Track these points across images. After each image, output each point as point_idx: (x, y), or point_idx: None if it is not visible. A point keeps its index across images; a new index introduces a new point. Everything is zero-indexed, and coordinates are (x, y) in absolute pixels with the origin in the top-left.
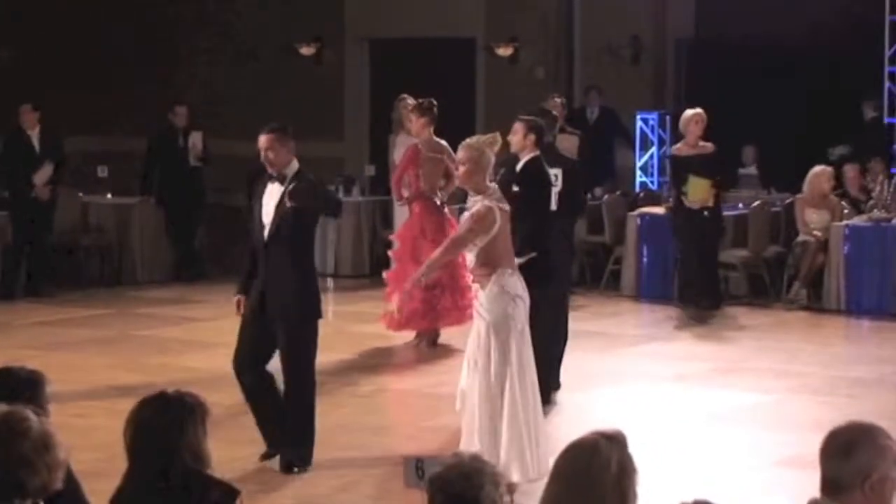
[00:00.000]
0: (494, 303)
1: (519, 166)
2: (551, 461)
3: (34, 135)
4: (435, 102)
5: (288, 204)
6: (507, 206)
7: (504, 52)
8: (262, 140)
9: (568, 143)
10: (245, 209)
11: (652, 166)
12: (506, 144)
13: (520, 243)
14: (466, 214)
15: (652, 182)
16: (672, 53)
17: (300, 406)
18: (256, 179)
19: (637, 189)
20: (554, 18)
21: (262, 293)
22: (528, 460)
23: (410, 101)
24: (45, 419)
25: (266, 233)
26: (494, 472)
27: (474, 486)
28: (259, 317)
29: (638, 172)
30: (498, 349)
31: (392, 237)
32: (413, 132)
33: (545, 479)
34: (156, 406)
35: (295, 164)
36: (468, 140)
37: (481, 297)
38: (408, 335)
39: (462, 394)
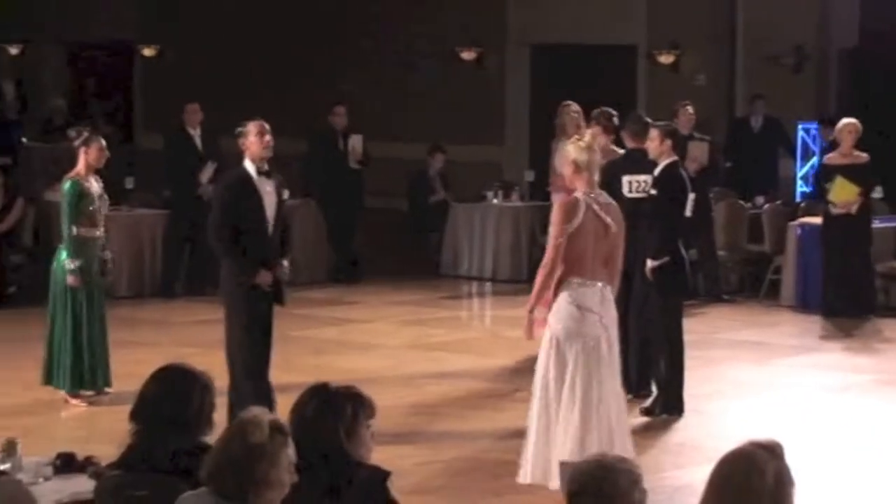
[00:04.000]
0: (561, 313)
1: (657, 171)
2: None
3: (196, 134)
4: (614, 112)
5: (285, 197)
6: (609, 216)
7: (666, 59)
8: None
9: (698, 151)
10: (405, 213)
11: (811, 176)
12: None
13: (654, 246)
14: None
15: (811, 190)
16: (835, 63)
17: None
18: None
19: (798, 199)
20: (716, 26)
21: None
22: None
23: (575, 107)
24: (282, 438)
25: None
26: (632, 470)
27: (611, 483)
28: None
29: (799, 182)
30: (558, 363)
31: None
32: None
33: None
34: (312, 396)
35: None
36: (574, 139)
37: (553, 305)
38: None
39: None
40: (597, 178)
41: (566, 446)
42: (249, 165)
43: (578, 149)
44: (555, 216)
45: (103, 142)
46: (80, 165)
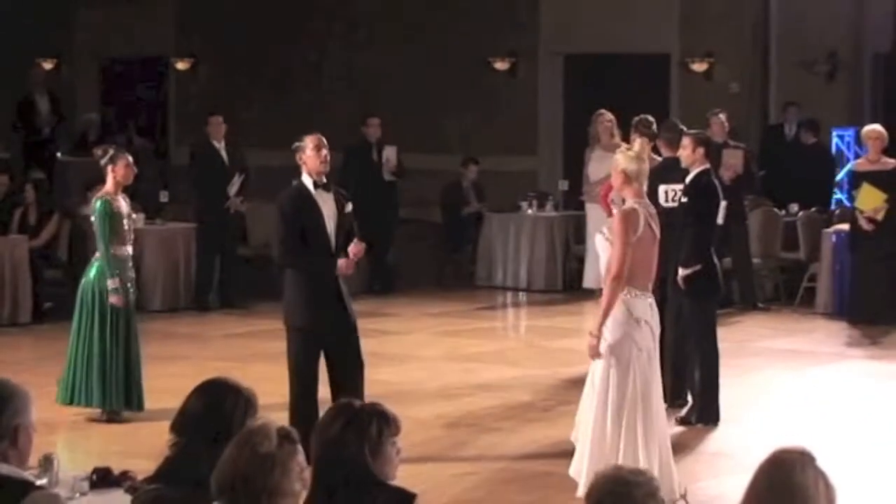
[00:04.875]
0: (618, 325)
1: (689, 179)
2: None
3: (221, 147)
4: (653, 120)
5: (348, 210)
6: (656, 226)
7: (699, 67)
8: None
9: (733, 159)
10: (441, 224)
11: (847, 183)
12: None
13: (685, 254)
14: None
15: (847, 199)
16: (869, 69)
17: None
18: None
19: (832, 206)
20: (749, 34)
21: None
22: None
23: (608, 116)
24: (291, 446)
25: (333, 242)
26: (649, 482)
27: (628, 497)
28: None
29: (834, 189)
30: (618, 374)
31: None
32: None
33: None
34: (337, 415)
35: None
36: (622, 148)
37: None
38: None
39: (577, 421)
40: (645, 187)
41: (627, 458)
42: (307, 179)
43: (628, 158)
44: (618, 228)
45: (130, 158)
46: (109, 184)
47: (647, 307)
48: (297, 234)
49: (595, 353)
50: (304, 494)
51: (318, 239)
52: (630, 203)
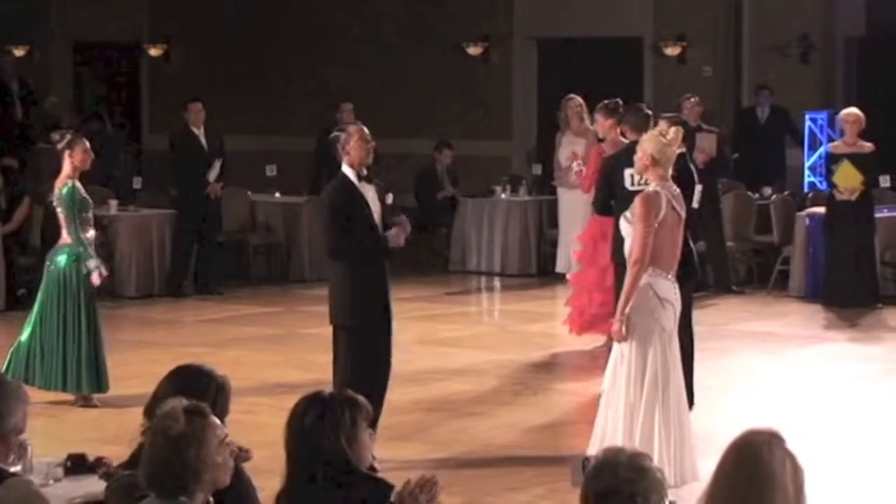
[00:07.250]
0: (641, 303)
1: None
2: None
3: (200, 133)
4: (621, 102)
5: (389, 201)
6: (681, 208)
7: (672, 51)
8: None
9: (706, 142)
10: (415, 208)
11: (821, 166)
12: None
13: None
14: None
15: (821, 182)
16: (842, 52)
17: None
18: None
19: (806, 189)
20: (722, 17)
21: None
22: (667, 467)
23: (577, 100)
24: (202, 420)
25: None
26: (653, 468)
27: (632, 481)
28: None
29: (807, 172)
30: (637, 351)
31: (576, 239)
32: (601, 133)
33: (687, 487)
34: (308, 406)
35: None
36: (655, 132)
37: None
38: (583, 339)
39: (603, 392)
40: (669, 172)
41: (644, 440)
42: (349, 171)
43: (658, 143)
44: (639, 212)
45: (87, 144)
46: (67, 169)
47: (670, 288)
48: (345, 226)
49: (620, 338)
50: (231, 463)
51: (366, 231)
52: (652, 186)
